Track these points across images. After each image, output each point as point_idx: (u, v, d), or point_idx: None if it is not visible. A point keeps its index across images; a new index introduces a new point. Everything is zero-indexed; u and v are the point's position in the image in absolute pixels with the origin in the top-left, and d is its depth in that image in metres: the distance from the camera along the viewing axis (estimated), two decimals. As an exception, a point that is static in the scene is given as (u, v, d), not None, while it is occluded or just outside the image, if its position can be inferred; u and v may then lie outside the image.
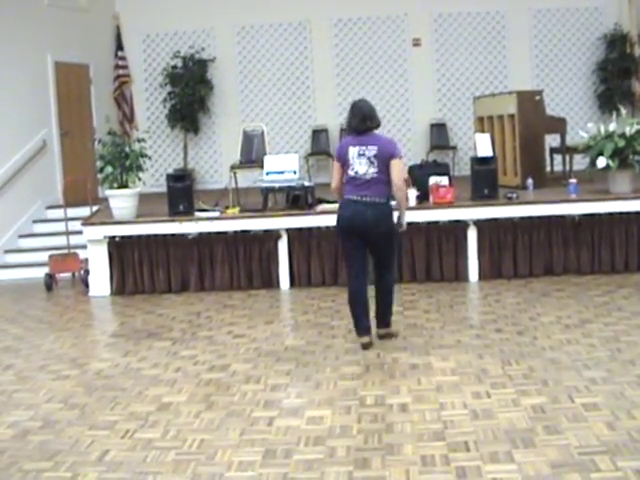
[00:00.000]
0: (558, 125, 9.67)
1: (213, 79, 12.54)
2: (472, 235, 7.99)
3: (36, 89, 10.70)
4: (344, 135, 5.74)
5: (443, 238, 8.01)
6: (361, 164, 5.50)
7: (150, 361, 5.75)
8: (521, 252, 7.96)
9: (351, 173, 5.53)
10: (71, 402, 4.95)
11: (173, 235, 8.18)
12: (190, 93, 12.22)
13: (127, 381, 5.31)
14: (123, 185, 8.33)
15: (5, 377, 5.58)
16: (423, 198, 8.05)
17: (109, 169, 8.28)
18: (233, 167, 9.42)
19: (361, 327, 5.71)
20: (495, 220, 7.97)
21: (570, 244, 7.96)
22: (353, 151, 5.52)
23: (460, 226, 8.00)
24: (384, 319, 5.90)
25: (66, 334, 6.74)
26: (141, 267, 8.23)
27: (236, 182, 9.34)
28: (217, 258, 8.15)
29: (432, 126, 12.46)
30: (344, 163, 5.57)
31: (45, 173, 10.74)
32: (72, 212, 9.24)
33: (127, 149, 8.38)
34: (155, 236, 8.19)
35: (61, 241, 9.40)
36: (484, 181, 8.10)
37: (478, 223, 7.98)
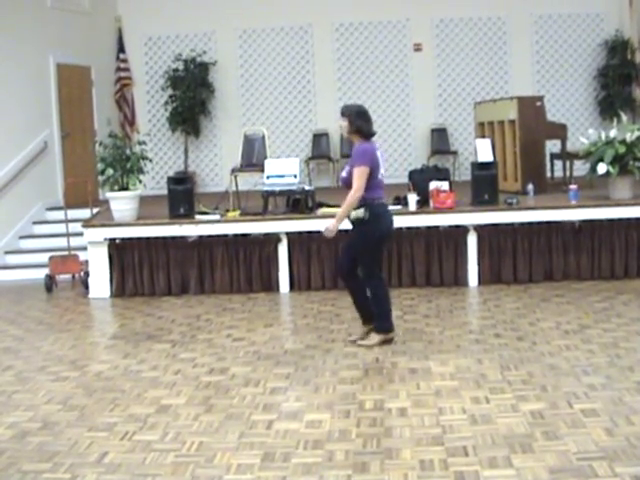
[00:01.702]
0: (559, 131, 9.67)
1: (214, 82, 12.57)
2: (472, 240, 8.00)
3: (38, 90, 10.72)
4: (359, 140, 5.75)
5: (443, 243, 8.02)
6: (382, 167, 5.85)
7: (149, 363, 5.76)
8: (521, 257, 7.96)
9: (380, 177, 5.81)
10: (70, 403, 4.95)
11: (173, 238, 8.19)
12: (191, 96, 12.24)
13: (126, 383, 5.31)
14: (124, 187, 8.34)
15: (5, 378, 5.58)
16: (423, 203, 8.06)
17: (110, 171, 8.29)
18: (234, 170, 9.43)
19: (392, 322, 5.96)
20: (495, 225, 7.98)
21: (570, 250, 7.97)
22: (378, 155, 5.82)
23: (460, 231, 8.01)
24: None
25: (66, 336, 6.74)
26: (141, 269, 8.24)
27: (237, 185, 9.34)
28: (217, 261, 8.16)
29: (433, 131, 12.48)
30: (375, 167, 5.75)
31: (46, 175, 10.75)
32: (72, 214, 9.25)
33: (128, 152, 8.39)
34: (155, 239, 8.20)
35: (61, 243, 9.40)
36: (484, 186, 8.10)
37: (478, 228, 7.98)
